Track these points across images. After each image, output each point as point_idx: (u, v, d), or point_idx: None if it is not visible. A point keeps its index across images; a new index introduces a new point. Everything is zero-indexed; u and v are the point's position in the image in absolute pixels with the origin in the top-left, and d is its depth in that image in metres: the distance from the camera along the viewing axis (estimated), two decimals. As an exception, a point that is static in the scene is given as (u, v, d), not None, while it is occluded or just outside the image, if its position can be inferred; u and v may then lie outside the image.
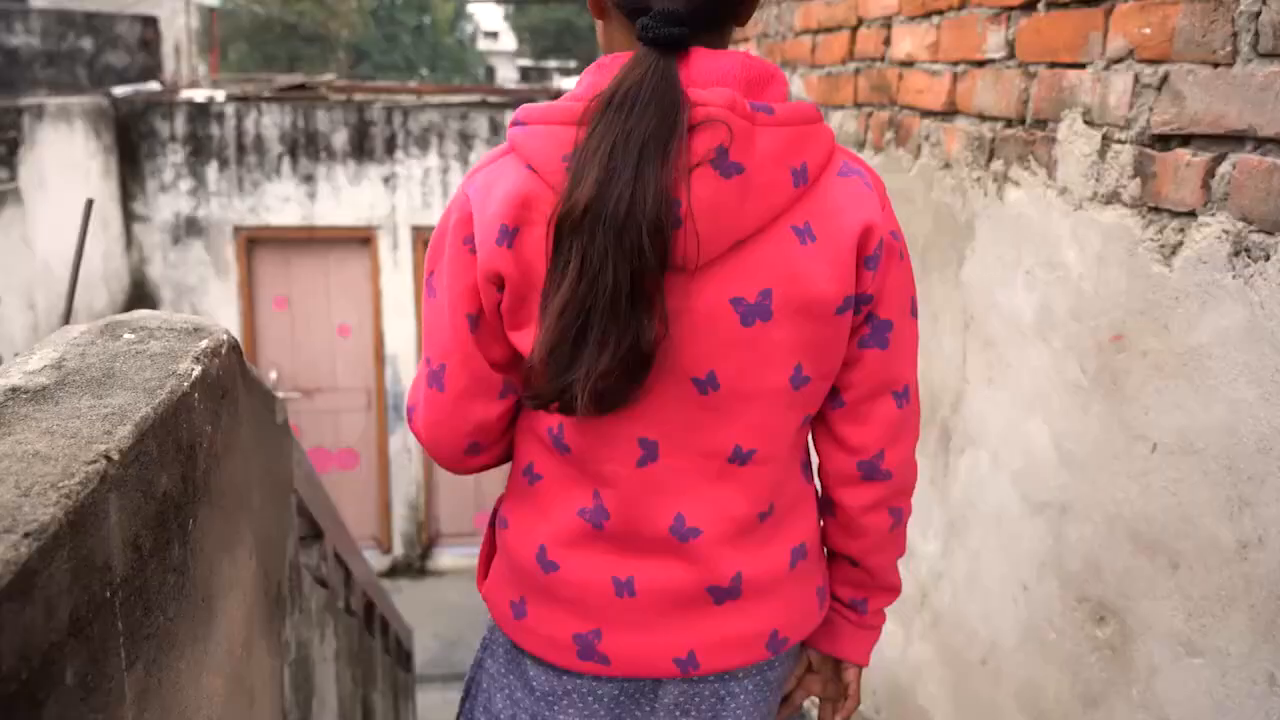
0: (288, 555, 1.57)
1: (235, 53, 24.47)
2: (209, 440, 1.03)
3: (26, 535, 0.64)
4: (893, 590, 1.26)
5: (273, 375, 6.67)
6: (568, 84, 9.30)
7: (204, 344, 1.07)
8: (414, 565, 7.07)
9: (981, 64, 1.99)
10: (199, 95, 6.44)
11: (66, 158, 5.44)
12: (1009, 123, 1.90)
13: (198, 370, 1.00)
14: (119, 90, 6.47)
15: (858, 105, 2.57)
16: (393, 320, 6.61)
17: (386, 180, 6.38)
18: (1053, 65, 1.75)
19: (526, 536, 1.15)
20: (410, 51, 28.51)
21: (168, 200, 6.27)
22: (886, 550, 1.21)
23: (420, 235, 6.49)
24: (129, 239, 6.26)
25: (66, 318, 2.13)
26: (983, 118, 1.99)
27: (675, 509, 1.09)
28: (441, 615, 6.62)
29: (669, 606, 1.12)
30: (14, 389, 0.89)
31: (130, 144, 6.19)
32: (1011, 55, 1.88)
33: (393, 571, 7.04)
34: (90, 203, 1.84)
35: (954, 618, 2.10)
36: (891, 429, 1.12)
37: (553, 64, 29.51)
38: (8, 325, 4.55)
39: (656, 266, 0.95)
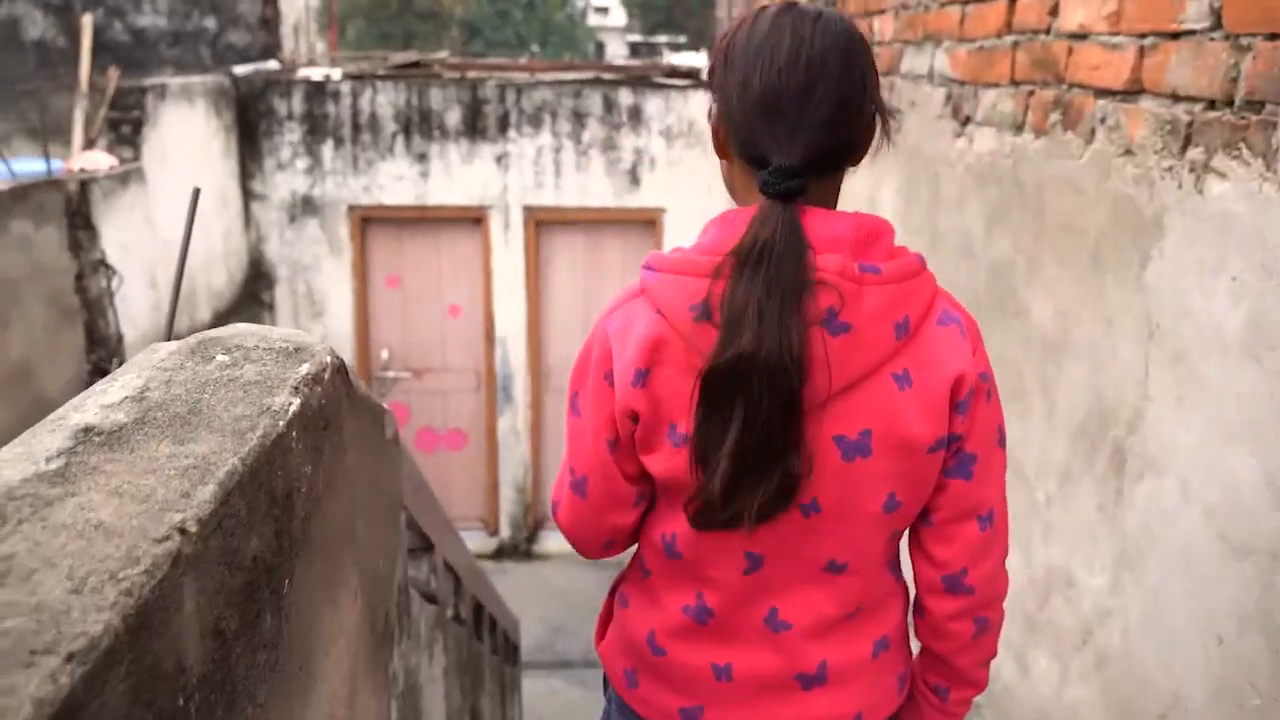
0: (396, 580, 1.45)
1: (353, 30, 24.88)
2: (309, 483, 0.90)
3: (70, 658, 0.50)
4: (977, 686, 1.35)
5: (384, 354, 6.68)
6: (677, 59, 9.08)
7: (304, 369, 0.93)
8: (520, 548, 7.03)
9: (1176, 36, 1.74)
10: (316, 74, 6.45)
11: (188, 137, 5.49)
12: (1211, 104, 1.65)
13: (296, 404, 0.86)
14: (239, 69, 6.52)
15: (1015, 83, 2.32)
16: (503, 301, 6.55)
17: (499, 159, 6.29)
18: (1273, 37, 1.50)
19: (639, 621, 1.32)
20: (521, 27, 28.60)
21: (284, 179, 6.30)
22: (972, 653, 1.30)
23: (532, 215, 6.39)
24: (247, 217, 6.32)
25: (172, 312, 2.05)
26: (1176, 98, 1.74)
27: (770, 604, 1.24)
28: (548, 600, 6.56)
29: (762, 690, 1.27)
30: (88, 429, 0.76)
31: (249, 123, 6.23)
32: (1217, 25, 1.63)
33: (499, 554, 7.02)
34: (197, 192, 1.75)
35: (1125, 662, 1.87)
36: (975, 549, 1.22)
37: (662, 39, 29.23)
38: (130, 304, 4.60)
39: (800, 408, 1.07)
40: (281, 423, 0.82)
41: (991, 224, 2.40)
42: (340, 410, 1.02)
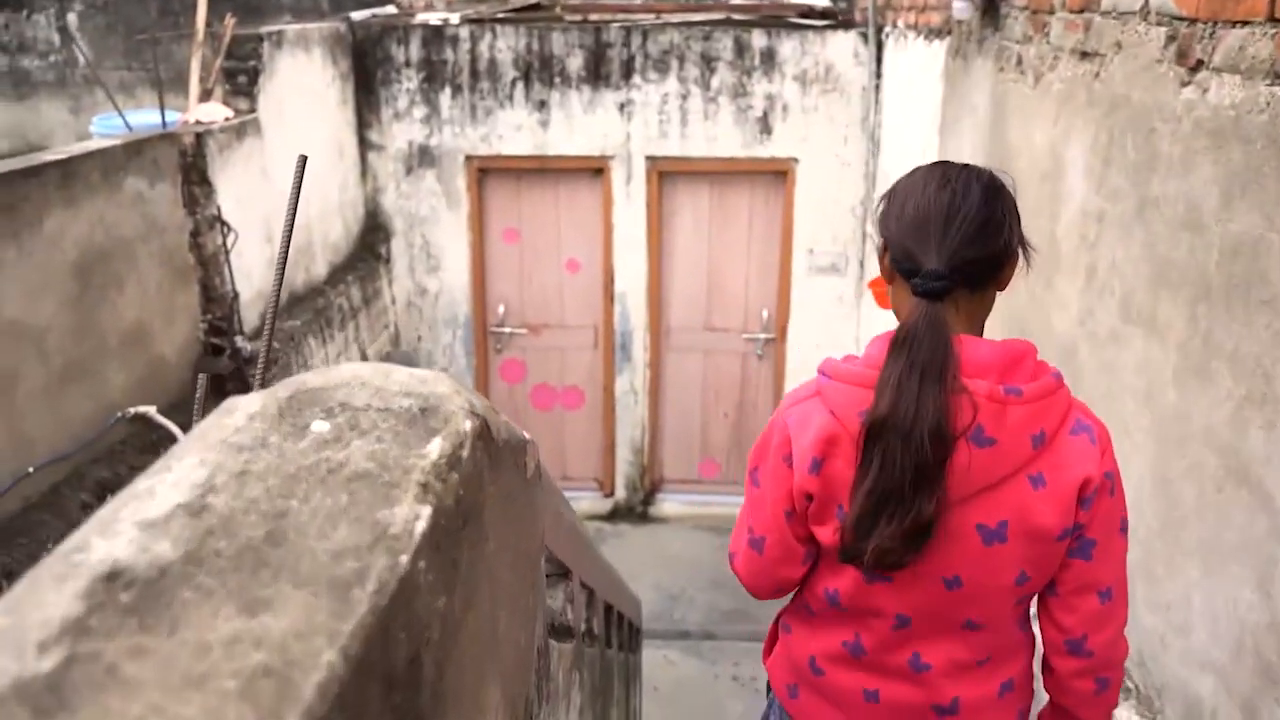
0: (535, 647, 1.18)
1: (468, -27, 24.67)
2: (441, 623, 0.62)
3: None
4: None
5: (500, 310, 6.49)
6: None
7: (435, 451, 0.65)
8: (635, 510, 6.82)
9: None
10: (434, 18, 6.20)
11: (305, 86, 5.31)
12: None
13: (425, 518, 0.58)
14: (356, 15, 6.32)
15: (1274, 20, 1.90)
16: (624, 256, 6.26)
17: (622, 107, 5.96)
18: None
19: (802, 646, 1.63)
20: (637, -33, 27.96)
21: (401, 129, 6.11)
22: (1093, 707, 1.53)
23: (656, 166, 6.07)
24: (363, 168, 6.16)
25: (278, 287, 1.82)
26: None
27: (914, 649, 1.52)
28: (664, 566, 6.35)
29: (903, 714, 1.56)
30: (113, 575, 0.50)
31: (366, 71, 6.04)
32: None
33: (614, 515, 6.83)
34: (304, 160, 1.50)
35: None
36: (1094, 619, 1.45)
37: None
38: (245, 261, 4.47)
39: (934, 462, 1.32)
40: (405, 556, 0.54)
41: (1231, 192, 1.99)
42: (483, 490, 0.74)
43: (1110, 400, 2.60)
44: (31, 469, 3.07)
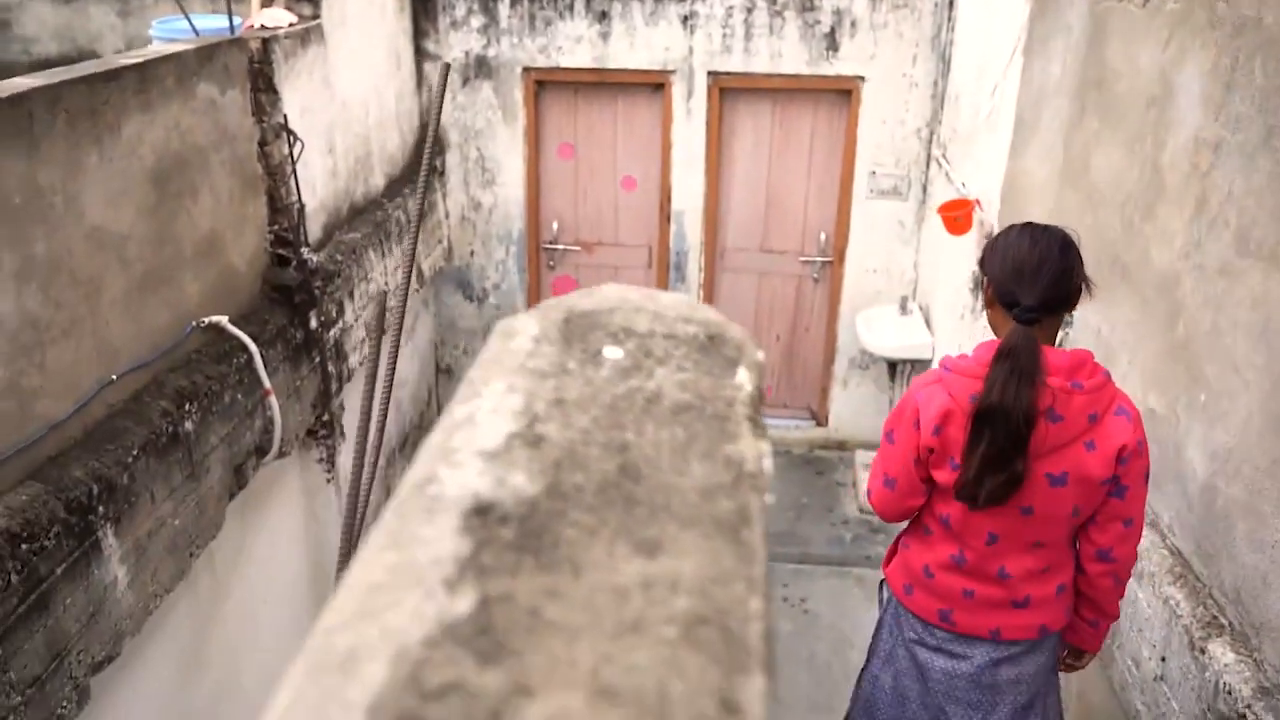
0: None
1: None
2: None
3: None
4: (1114, 616, 2.49)
5: (554, 226, 6.42)
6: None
7: (747, 381, 0.62)
8: (685, 431, 6.83)
9: None
10: (491, -78, 6.02)
11: (364, -9, 5.19)
12: None
13: (768, 454, 0.55)
14: (412, -83, 6.14)
15: None
16: (681, 174, 6.16)
17: (685, 20, 5.80)
18: None
19: (918, 558, 2.48)
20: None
21: (459, 39, 5.98)
22: (1109, 596, 2.40)
23: (717, 81, 5.93)
24: (419, 79, 6.05)
25: (413, 251, 1.77)
26: None
27: (1000, 563, 2.35)
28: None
29: (990, 607, 2.41)
30: (482, 509, 0.47)
31: (424, -23, 5.90)
32: None
33: (663, 435, 6.83)
34: (447, 66, 1.45)
35: None
36: (1120, 538, 2.30)
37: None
38: (309, 170, 4.42)
39: (1025, 435, 2.13)
40: (768, 496, 0.51)
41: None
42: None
43: (1217, 336, 2.54)
44: (115, 376, 3.08)
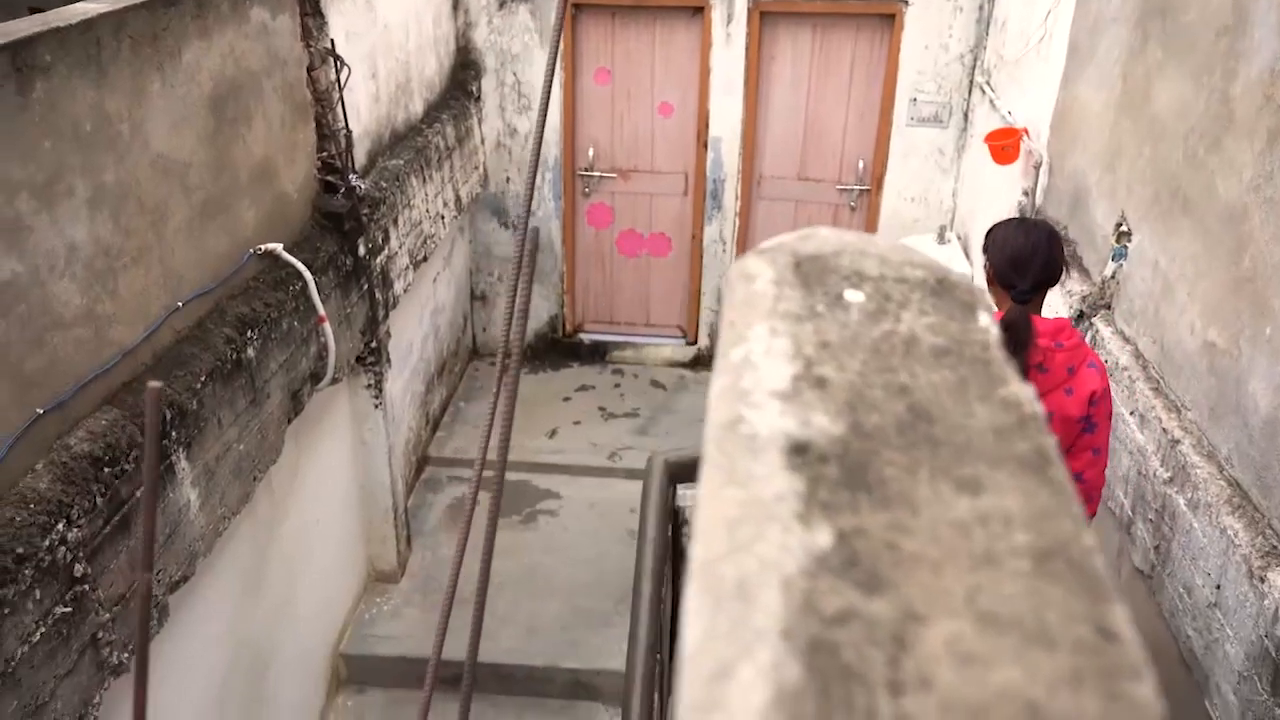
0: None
1: None
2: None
3: None
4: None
5: (590, 153, 6.39)
6: None
7: (989, 325, 0.64)
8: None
9: None
10: None
11: (402, -89, 5.10)
12: None
13: (1033, 397, 0.58)
14: None
15: None
16: (719, 101, 6.10)
17: (726, -59, 5.69)
18: None
19: None
20: None
21: (495, -41, 5.88)
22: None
23: (758, 6, 5.83)
24: (455, 1, 5.97)
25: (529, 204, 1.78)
26: None
27: None
28: (748, 415, 6.43)
29: None
30: (797, 450, 0.50)
31: (459, -105, 5.78)
32: None
33: (696, 363, 6.89)
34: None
35: None
36: (1088, 464, 2.81)
37: None
38: (353, 95, 4.40)
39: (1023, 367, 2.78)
40: (1049, 440, 0.54)
41: None
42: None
43: (1287, 269, 2.55)
44: (180, 303, 3.12)
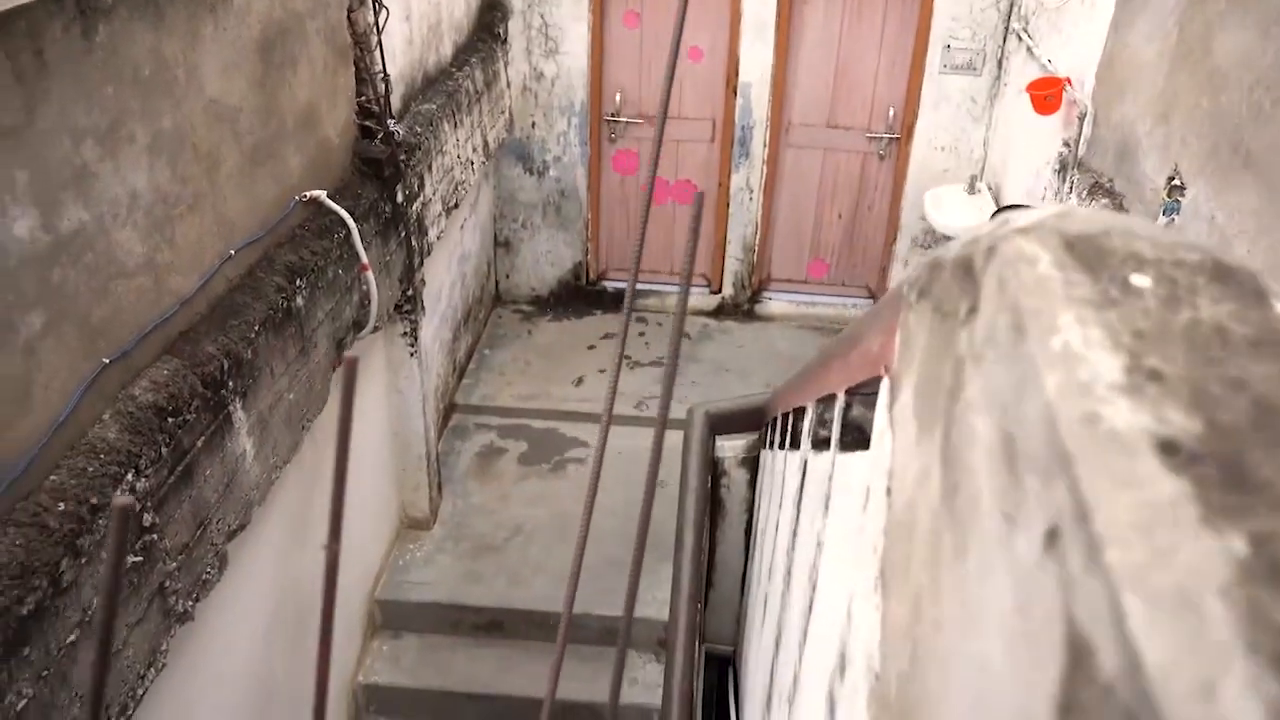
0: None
1: None
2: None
3: None
4: None
5: (617, 98, 6.30)
6: None
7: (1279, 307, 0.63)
8: (741, 307, 6.85)
9: None
10: None
11: None
12: None
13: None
14: None
15: None
16: (751, 45, 6.01)
17: (762, -120, 5.56)
18: None
19: None
20: None
21: (524, -103, 5.76)
22: None
23: (792, -52, 5.72)
24: (483, -60, 5.85)
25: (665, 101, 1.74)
26: None
27: None
28: (774, 364, 6.44)
29: None
30: (1168, 445, 0.49)
31: None
32: None
33: (719, 311, 6.87)
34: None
35: None
36: None
37: None
38: (389, 38, 4.32)
39: None
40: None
41: None
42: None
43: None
44: (233, 251, 3.09)
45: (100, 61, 2.42)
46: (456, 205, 5.20)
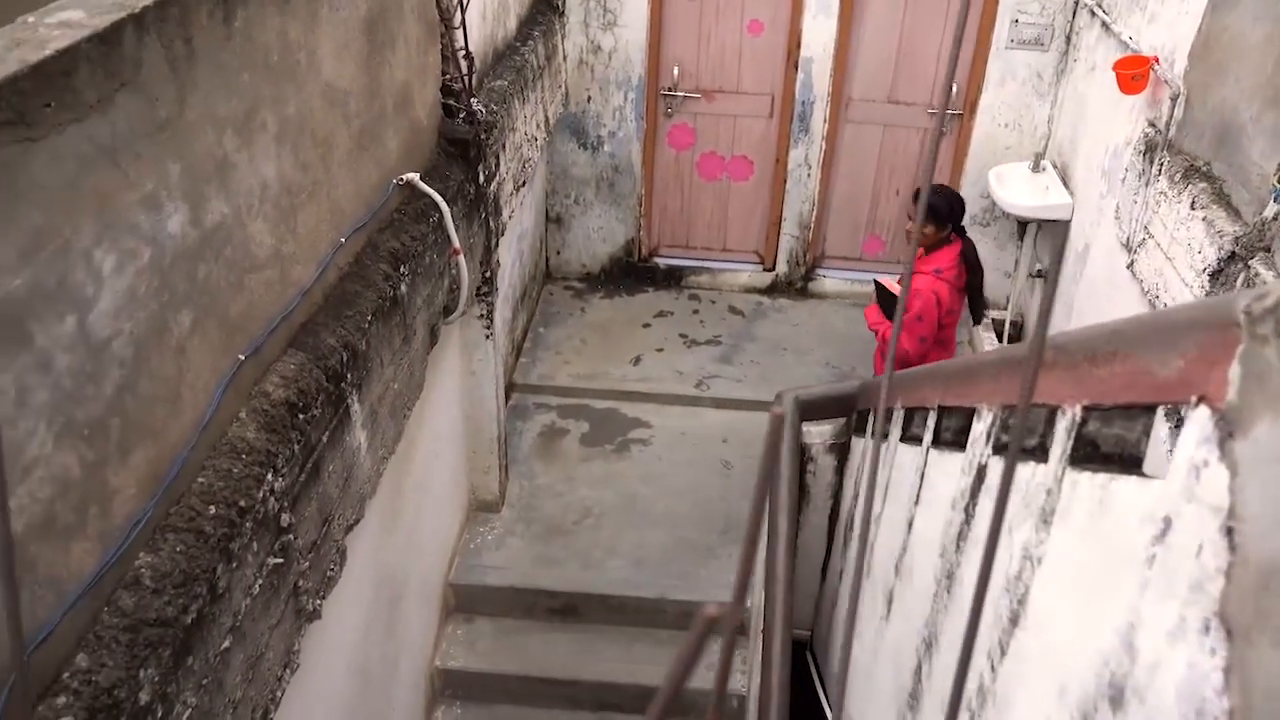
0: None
1: None
2: None
3: None
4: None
5: (674, 72, 6.19)
6: None
7: None
8: (795, 285, 6.78)
9: None
10: None
11: None
12: None
13: None
14: None
15: None
16: (815, 18, 5.89)
17: None
18: None
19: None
20: None
21: None
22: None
23: (861, -80, 5.59)
24: (542, -91, 5.71)
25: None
26: None
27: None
28: (831, 343, 6.37)
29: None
30: None
31: None
32: None
33: (772, 289, 6.80)
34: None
35: None
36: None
37: None
38: (467, 14, 4.21)
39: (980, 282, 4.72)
40: None
41: None
42: None
43: None
44: (343, 239, 3.02)
45: (237, 48, 2.33)
46: (525, 184, 5.11)
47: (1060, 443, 1.69)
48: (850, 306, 6.65)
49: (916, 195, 4.37)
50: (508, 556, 4.85)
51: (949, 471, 2.45)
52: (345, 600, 3.23)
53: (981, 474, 2.16)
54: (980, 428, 2.18)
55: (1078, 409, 1.63)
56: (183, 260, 2.15)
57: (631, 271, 6.77)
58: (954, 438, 2.57)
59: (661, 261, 6.78)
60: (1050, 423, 2.04)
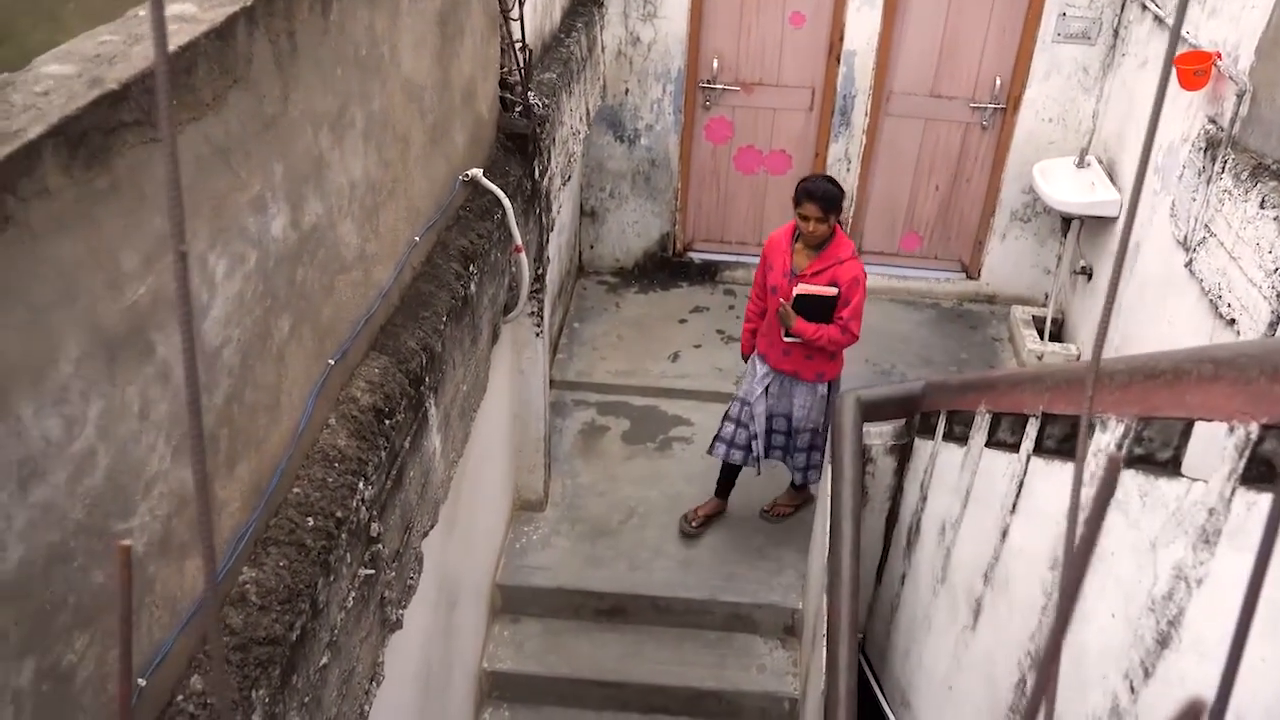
0: None
1: None
2: None
3: None
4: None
5: (714, 64, 6.10)
6: None
7: None
8: (831, 281, 6.69)
9: None
10: None
11: None
12: None
13: None
14: None
15: None
16: (858, 10, 5.80)
17: None
18: None
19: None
20: None
21: None
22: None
23: (910, -90, 5.49)
24: (584, -102, 5.60)
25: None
26: None
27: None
28: (867, 339, 6.26)
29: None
30: None
31: None
32: None
33: (808, 284, 6.70)
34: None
35: None
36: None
37: None
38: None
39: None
40: None
41: None
42: None
43: None
44: (417, 238, 2.94)
45: (333, 43, 2.25)
46: (570, 178, 5.03)
47: (1230, 460, 1.62)
48: (887, 301, 6.57)
49: (803, 193, 4.24)
50: (554, 557, 4.78)
51: (1059, 481, 2.38)
52: (415, 606, 3.16)
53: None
54: (1106, 439, 2.11)
55: (1254, 426, 1.56)
56: (284, 264, 2.07)
57: (665, 266, 6.69)
58: (1058, 446, 2.50)
59: (696, 256, 6.70)
60: (1185, 435, 1.96)
